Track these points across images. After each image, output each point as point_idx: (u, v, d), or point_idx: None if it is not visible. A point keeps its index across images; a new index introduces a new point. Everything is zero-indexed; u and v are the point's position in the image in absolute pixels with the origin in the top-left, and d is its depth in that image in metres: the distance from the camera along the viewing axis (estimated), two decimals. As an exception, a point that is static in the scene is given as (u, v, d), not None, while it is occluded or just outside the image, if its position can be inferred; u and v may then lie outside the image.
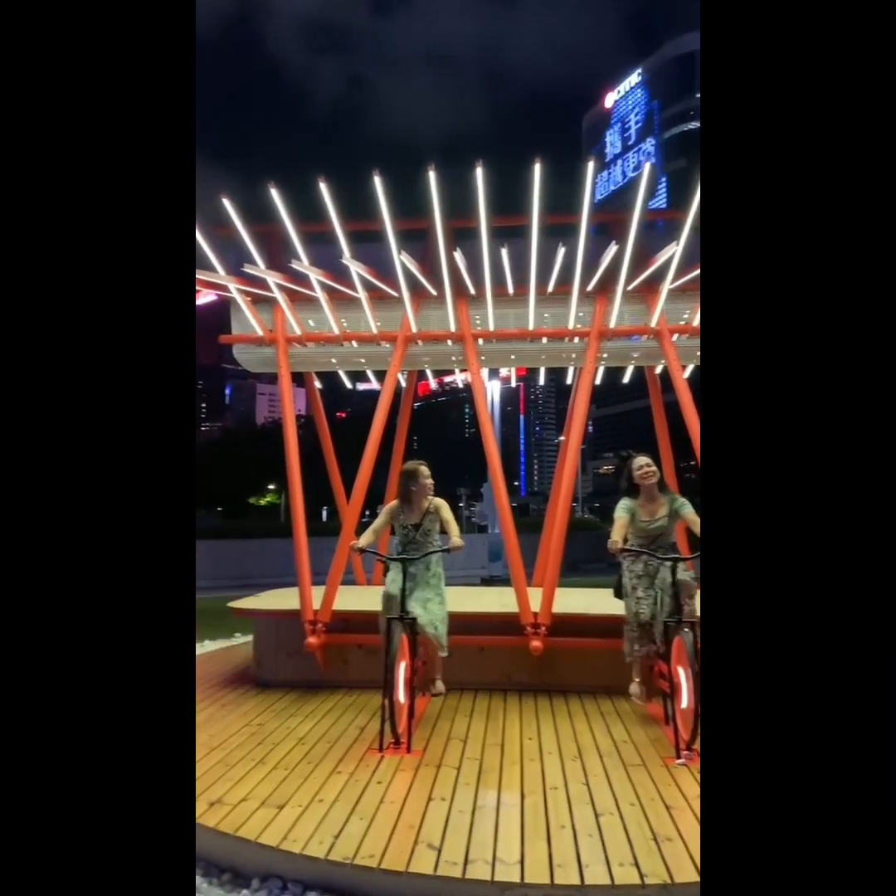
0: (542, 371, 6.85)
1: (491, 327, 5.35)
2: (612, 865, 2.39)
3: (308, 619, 4.77)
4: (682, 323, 5.25)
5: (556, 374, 7.04)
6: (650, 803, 2.90)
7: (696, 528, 3.80)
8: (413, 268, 4.75)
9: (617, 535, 3.83)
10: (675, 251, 4.60)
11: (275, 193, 4.37)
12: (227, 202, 4.47)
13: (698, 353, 5.47)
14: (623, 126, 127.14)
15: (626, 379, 6.73)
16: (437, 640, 4.00)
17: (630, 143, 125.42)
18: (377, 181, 4.17)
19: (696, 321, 5.16)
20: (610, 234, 4.97)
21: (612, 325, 5.20)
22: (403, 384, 6.74)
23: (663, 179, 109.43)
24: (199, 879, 2.61)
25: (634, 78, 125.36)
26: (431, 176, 4.23)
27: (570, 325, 5.27)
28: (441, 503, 4.17)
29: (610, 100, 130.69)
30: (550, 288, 5.02)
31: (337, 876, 2.46)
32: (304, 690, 4.80)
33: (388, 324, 5.38)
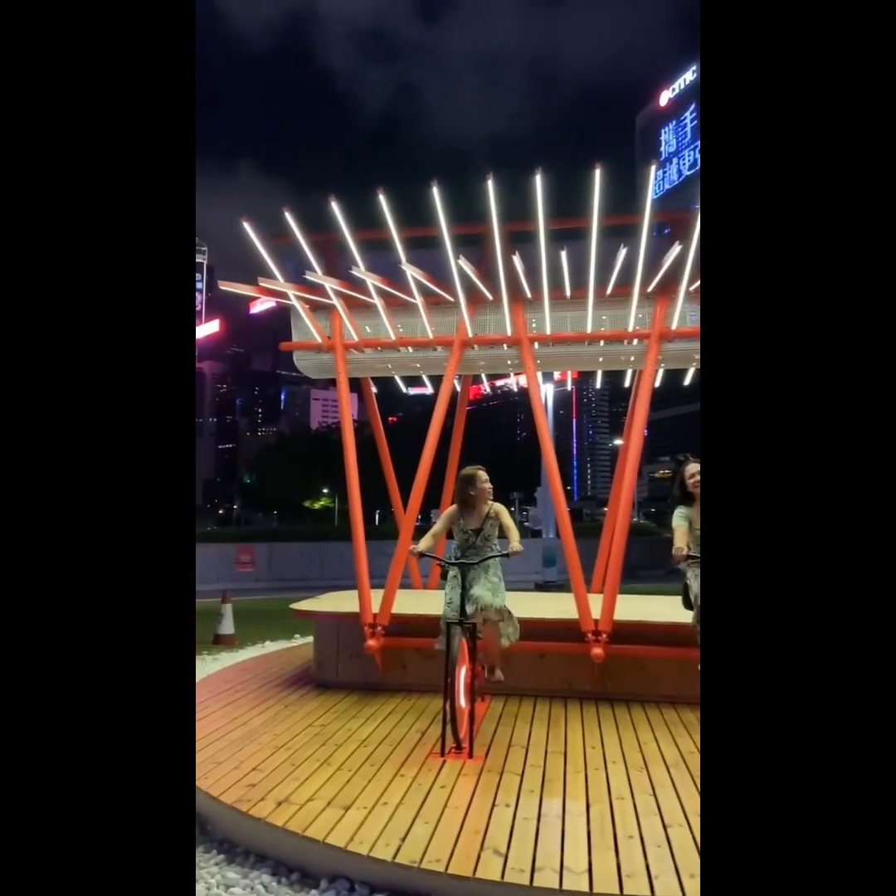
0: (599, 374, 6.75)
1: (547, 331, 5.32)
2: (682, 876, 2.34)
3: (367, 621, 4.82)
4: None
5: (613, 376, 6.93)
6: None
7: None
8: (470, 272, 4.76)
9: (681, 542, 3.74)
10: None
11: (334, 205, 4.47)
12: (288, 214, 4.60)
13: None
14: (678, 123, 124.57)
15: (687, 381, 6.56)
16: (499, 626, 3.99)
17: (685, 140, 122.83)
18: (435, 192, 4.21)
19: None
20: (666, 234, 4.88)
21: (673, 326, 5.10)
22: (458, 388, 6.75)
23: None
24: (267, 878, 2.66)
25: (689, 75, 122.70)
26: (489, 184, 4.24)
27: (630, 328, 5.19)
28: (501, 508, 4.17)
29: (664, 98, 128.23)
30: (609, 290, 4.96)
31: (404, 879, 2.47)
32: (363, 692, 4.86)
33: (444, 329, 5.40)
